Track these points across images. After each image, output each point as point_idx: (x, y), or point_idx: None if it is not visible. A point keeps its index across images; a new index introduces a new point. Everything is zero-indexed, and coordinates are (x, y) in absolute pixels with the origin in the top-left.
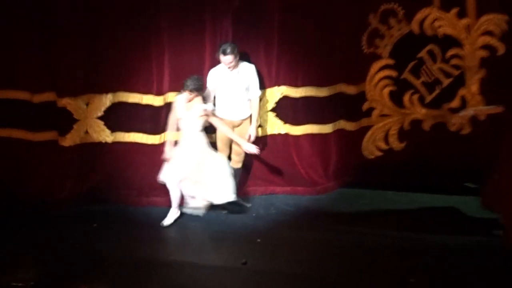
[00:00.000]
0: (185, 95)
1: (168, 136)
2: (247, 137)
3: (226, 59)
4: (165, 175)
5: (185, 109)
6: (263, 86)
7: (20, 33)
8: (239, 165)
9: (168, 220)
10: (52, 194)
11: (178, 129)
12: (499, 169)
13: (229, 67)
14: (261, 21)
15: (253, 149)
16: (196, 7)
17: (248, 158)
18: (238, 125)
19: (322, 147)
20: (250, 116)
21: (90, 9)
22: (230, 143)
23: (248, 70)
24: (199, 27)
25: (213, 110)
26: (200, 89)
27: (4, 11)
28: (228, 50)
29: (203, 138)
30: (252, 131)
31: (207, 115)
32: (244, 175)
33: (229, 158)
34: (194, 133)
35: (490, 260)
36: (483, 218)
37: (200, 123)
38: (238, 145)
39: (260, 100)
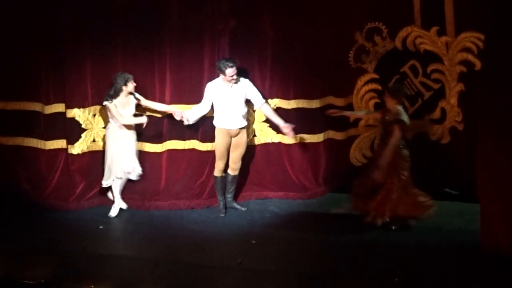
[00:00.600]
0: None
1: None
2: (243, 148)
3: (232, 71)
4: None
5: (121, 107)
6: None
7: (33, 50)
8: (236, 173)
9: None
10: (62, 198)
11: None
12: (477, 174)
13: (231, 80)
14: (255, 40)
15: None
16: (196, 27)
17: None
18: (236, 135)
19: (313, 155)
20: (246, 126)
21: (99, 28)
22: (228, 151)
23: (244, 84)
24: (199, 45)
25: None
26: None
27: (19, 29)
28: (232, 63)
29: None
30: (284, 124)
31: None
32: (240, 181)
33: (227, 165)
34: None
35: (466, 260)
36: (461, 222)
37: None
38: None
39: (254, 111)
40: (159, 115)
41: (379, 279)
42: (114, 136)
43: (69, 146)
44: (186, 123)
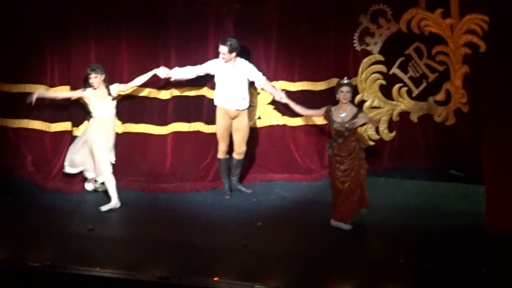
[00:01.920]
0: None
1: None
2: (245, 132)
3: (220, 49)
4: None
5: (98, 99)
6: None
7: (39, 33)
8: (240, 157)
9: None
10: (67, 180)
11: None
12: (483, 156)
13: (222, 58)
14: (260, 22)
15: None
16: (200, 10)
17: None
18: (235, 117)
19: (318, 137)
20: (247, 109)
21: (104, 11)
22: (229, 133)
23: (243, 65)
24: (203, 28)
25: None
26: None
27: (24, 12)
28: (223, 41)
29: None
30: (278, 92)
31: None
32: (245, 164)
33: (230, 148)
34: (109, 116)
35: (471, 243)
36: (466, 204)
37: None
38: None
39: (259, 93)
40: (163, 98)
41: (384, 262)
42: (96, 128)
43: (74, 128)
44: (166, 76)
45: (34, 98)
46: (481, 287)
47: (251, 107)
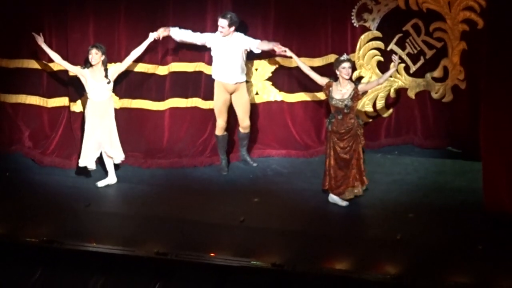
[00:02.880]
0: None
1: None
2: (246, 106)
3: (220, 22)
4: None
5: (94, 80)
6: (260, 57)
7: (37, 8)
8: (246, 131)
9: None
10: (65, 156)
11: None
12: (480, 133)
13: (220, 31)
14: None
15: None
16: None
17: None
18: (233, 91)
19: (315, 113)
20: (245, 82)
21: None
22: (227, 109)
23: (238, 38)
24: (201, 4)
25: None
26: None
27: None
28: (222, 15)
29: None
30: (278, 45)
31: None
32: None
33: (228, 125)
34: (105, 99)
35: (468, 219)
36: (464, 180)
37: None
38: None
39: (256, 69)
40: (161, 74)
41: (381, 238)
42: (91, 110)
43: (72, 103)
44: (162, 33)
45: (39, 40)
46: (479, 262)
47: (248, 82)
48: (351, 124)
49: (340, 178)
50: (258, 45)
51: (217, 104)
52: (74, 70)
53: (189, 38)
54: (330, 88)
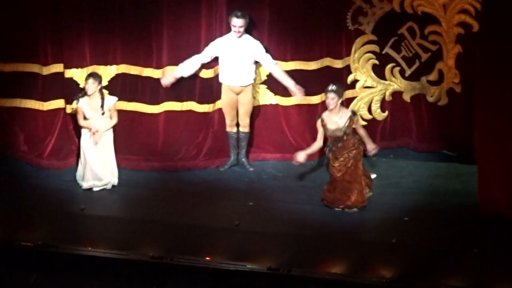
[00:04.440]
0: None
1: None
2: (248, 106)
3: (237, 22)
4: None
5: (91, 110)
6: (254, 61)
7: (31, 11)
8: (245, 130)
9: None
10: (61, 158)
11: None
12: (475, 136)
13: (237, 31)
14: (253, 1)
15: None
16: None
17: None
18: (239, 93)
19: (310, 116)
20: (251, 85)
21: None
22: (234, 108)
23: (253, 44)
24: (196, 6)
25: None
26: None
27: None
28: (240, 14)
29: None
30: (294, 86)
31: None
32: None
33: (237, 124)
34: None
35: (464, 222)
36: (459, 183)
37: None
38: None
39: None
40: (156, 77)
41: (376, 241)
42: (88, 139)
43: (67, 106)
44: (171, 80)
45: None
46: (474, 265)
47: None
48: (351, 144)
49: (334, 191)
50: (273, 70)
51: (224, 104)
52: (82, 123)
53: (198, 63)
54: (323, 122)
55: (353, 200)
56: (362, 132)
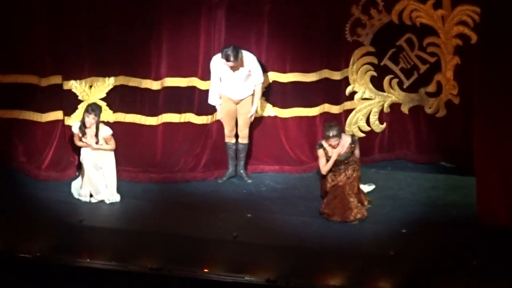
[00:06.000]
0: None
1: None
2: (248, 115)
3: (229, 64)
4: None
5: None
6: None
7: (29, 21)
8: (244, 141)
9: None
10: (59, 170)
11: None
12: (474, 147)
13: (230, 68)
14: (252, 13)
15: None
16: (192, 0)
17: None
18: (238, 102)
19: (309, 128)
20: (251, 95)
21: (96, 1)
22: (233, 118)
23: (247, 60)
24: (195, 18)
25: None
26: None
27: (15, 3)
28: (231, 58)
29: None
30: (252, 110)
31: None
32: None
33: (236, 135)
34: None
35: (462, 234)
36: (457, 195)
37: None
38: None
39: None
40: (155, 88)
41: (375, 254)
42: (88, 156)
43: (66, 117)
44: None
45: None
46: (473, 277)
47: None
48: (352, 165)
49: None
50: (255, 89)
51: (222, 114)
52: (79, 144)
53: (216, 87)
54: (325, 150)
55: (355, 212)
56: (357, 153)
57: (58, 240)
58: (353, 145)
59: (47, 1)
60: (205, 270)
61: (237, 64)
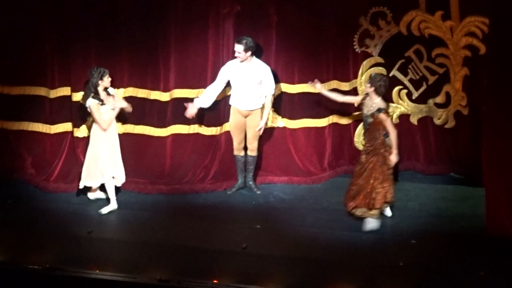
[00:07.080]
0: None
1: None
2: (257, 128)
3: (235, 48)
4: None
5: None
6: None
7: (38, 35)
8: (253, 154)
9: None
10: (68, 182)
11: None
12: (483, 159)
13: (237, 56)
14: (260, 24)
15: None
16: (200, 11)
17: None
18: (246, 116)
19: (317, 139)
20: (260, 109)
21: (104, 11)
22: (242, 131)
23: (260, 68)
24: (203, 29)
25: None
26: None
27: (24, 13)
28: (238, 40)
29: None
30: (261, 123)
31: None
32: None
33: (245, 147)
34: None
35: (471, 245)
36: (466, 206)
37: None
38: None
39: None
40: (163, 100)
41: (383, 265)
42: (100, 136)
43: (75, 129)
44: (192, 113)
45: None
46: None
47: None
48: (374, 140)
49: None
50: (265, 100)
51: (231, 127)
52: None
53: (213, 92)
54: (364, 101)
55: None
56: (392, 136)
57: (67, 251)
58: (375, 114)
59: (56, 13)
60: (214, 281)
61: (243, 57)
